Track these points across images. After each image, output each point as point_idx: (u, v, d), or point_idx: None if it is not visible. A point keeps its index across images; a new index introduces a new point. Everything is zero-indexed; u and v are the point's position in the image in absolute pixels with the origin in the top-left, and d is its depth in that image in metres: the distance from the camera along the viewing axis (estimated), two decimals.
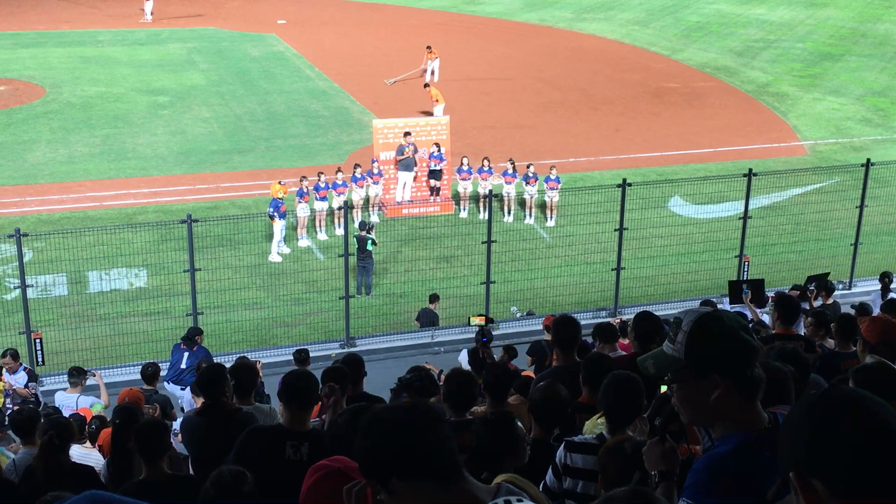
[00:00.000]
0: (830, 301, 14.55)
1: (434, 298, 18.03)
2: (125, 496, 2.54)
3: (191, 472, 7.37)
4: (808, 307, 13.19)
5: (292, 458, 5.66)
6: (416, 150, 23.31)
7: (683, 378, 3.11)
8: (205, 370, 7.36)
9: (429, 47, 36.04)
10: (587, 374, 6.57)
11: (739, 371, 3.07)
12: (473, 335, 12.50)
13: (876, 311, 12.76)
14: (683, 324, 3.12)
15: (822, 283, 14.81)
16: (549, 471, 5.17)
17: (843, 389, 2.24)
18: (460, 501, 2.65)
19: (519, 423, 5.26)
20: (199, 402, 11.18)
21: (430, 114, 28.96)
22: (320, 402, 6.76)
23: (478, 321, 10.79)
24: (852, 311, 11.15)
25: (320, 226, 22.09)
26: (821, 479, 2.12)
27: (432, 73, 35.64)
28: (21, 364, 13.76)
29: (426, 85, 30.82)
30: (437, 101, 29.40)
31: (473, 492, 2.78)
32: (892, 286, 15.68)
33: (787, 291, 14.17)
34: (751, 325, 11.42)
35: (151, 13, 46.29)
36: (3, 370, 13.37)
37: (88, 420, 10.48)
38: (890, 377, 5.15)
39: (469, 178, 23.63)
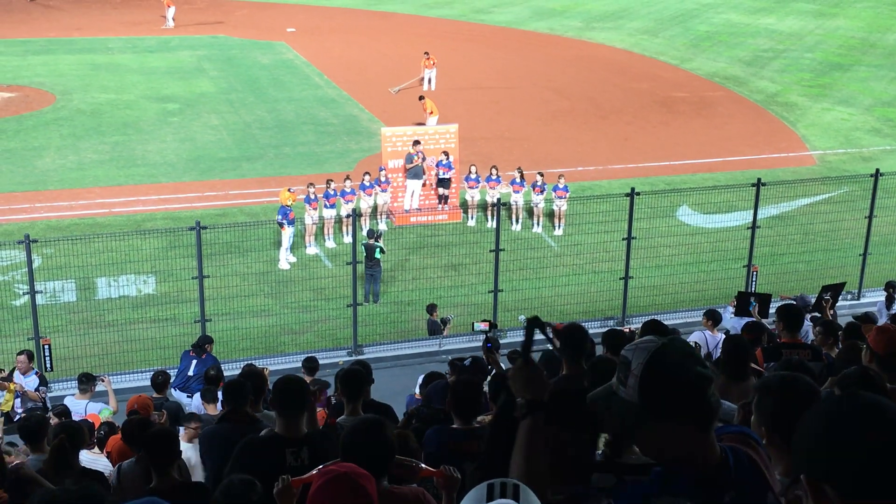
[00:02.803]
0: (832, 312, 14.50)
1: (432, 309, 18.00)
2: None
3: (202, 480, 7.38)
4: (819, 316, 13.15)
5: (294, 464, 5.63)
6: (424, 159, 23.33)
7: (643, 422, 2.87)
8: (231, 381, 7.37)
9: (426, 54, 36.10)
10: (595, 380, 6.58)
11: (697, 407, 2.83)
12: (480, 343, 12.50)
13: (882, 321, 12.72)
14: (633, 366, 2.86)
15: (838, 294, 14.77)
16: None
17: (861, 396, 2.21)
18: None
19: None
20: (209, 408, 11.23)
21: (422, 125, 28.95)
22: (324, 411, 6.76)
23: (482, 326, 10.80)
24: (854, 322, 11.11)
25: (328, 233, 22.13)
26: (832, 485, 2.12)
27: (429, 82, 35.71)
28: (33, 368, 13.85)
29: (421, 97, 30.64)
30: (431, 112, 29.33)
31: None
32: None
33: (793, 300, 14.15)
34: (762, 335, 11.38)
35: (173, 19, 46.51)
36: (15, 371, 13.46)
37: (97, 426, 10.51)
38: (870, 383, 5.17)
39: (477, 187, 23.64)
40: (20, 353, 13.77)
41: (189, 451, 8.99)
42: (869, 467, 2.07)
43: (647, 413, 2.83)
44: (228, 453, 5.94)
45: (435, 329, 17.77)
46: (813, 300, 14.87)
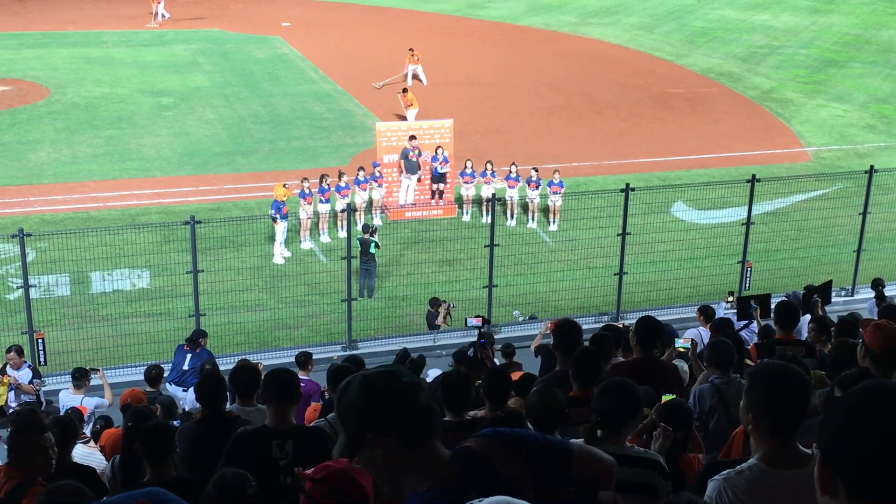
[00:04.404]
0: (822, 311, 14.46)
1: (435, 303, 18.02)
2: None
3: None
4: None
5: (279, 456, 5.70)
6: (419, 154, 23.34)
7: (354, 449, 2.91)
8: (203, 381, 7.36)
9: (411, 50, 36.10)
10: (574, 370, 6.70)
11: (384, 425, 2.83)
12: (475, 337, 12.50)
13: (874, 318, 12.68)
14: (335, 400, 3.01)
15: (828, 292, 14.71)
16: None
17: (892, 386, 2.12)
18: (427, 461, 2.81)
19: (528, 423, 5.28)
20: None
21: (403, 118, 29.03)
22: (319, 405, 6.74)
23: (475, 322, 10.83)
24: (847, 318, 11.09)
25: (323, 228, 22.12)
26: (840, 472, 2.08)
27: (415, 77, 35.68)
28: (25, 361, 13.83)
29: (404, 90, 30.67)
30: (410, 105, 29.42)
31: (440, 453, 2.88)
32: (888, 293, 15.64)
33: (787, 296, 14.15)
34: (756, 332, 11.39)
35: (163, 14, 46.31)
36: (8, 366, 13.44)
37: (85, 414, 10.49)
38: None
39: (472, 182, 23.64)
40: (9, 350, 13.71)
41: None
42: (875, 463, 2.01)
43: (352, 438, 2.88)
44: (208, 453, 6.00)
45: (431, 320, 17.78)
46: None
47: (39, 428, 5.94)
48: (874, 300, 15.76)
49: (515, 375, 10.45)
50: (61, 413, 11.25)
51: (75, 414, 10.16)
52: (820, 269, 18.78)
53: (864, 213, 19.21)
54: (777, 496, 3.66)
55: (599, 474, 3.28)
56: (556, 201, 22.87)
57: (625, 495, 4.79)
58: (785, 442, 3.77)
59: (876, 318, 9.72)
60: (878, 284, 15.83)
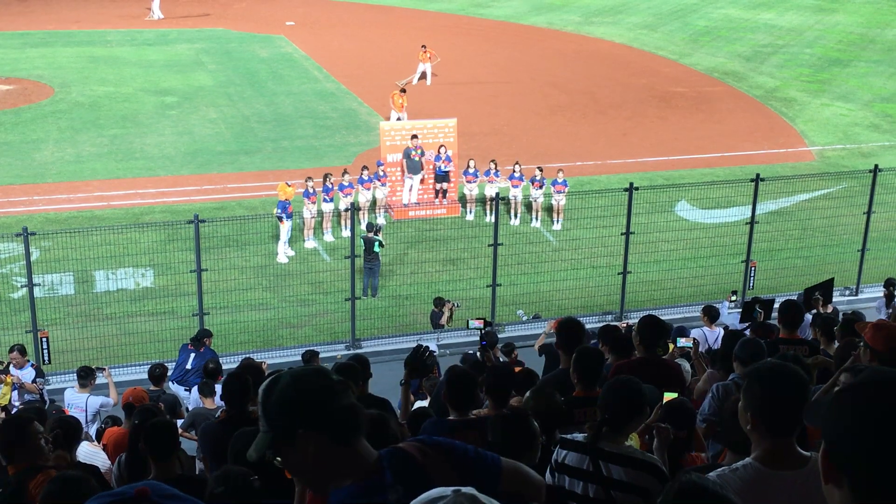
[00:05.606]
0: (830, 309, 14.47)
1: (439, 303, 18.00)
2: None
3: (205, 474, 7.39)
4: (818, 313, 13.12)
5: (269, 458, 5.73)
6: (422, 153, 23.34)
7: (280, 449, 2.93)
8: (230, 380, 7.34)
9: (423, 47, 36.11)
10: (577, 369, 6.68)
11: (317, 420, 2.86)
12: (478, 337, 12.50)
13: (881, 318, 12.69)
14: (259, 398, 2.99)
15: (829, 291, 14.71)
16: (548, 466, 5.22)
17: None
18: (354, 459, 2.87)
19: (534, 421, 5.29)
20: (207, 402, 11.24)
21: (398, 118, 28.96)
22: None
23: (477, 324, 10.83)
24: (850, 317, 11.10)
25: (327, 227, 22.12)
26: (844, 467, 2.02)
27: (423, 76, 35.68)
28: (28, 361, 13.85)
29: (402, 90, 30.59)
30: (403, 106, 29.41)
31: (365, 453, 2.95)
32: None
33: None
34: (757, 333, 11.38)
35: (159, 9, 46.37)
36: (11, 365, 13.46)
37: (66, 414, 10.50)
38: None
39: (476, 181, 23.63)
40: (11, 350, 13.73)
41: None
42: (882, 459, 1.94)
43: (277, 438, 2.90)
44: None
45: (435, 320, 17.77)
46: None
47: (24, 420, 5.98)
48: (883, 299, 15.73)
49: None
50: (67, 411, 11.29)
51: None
52: (824, 269, 18.75)
53: (869, 213, 19.18)
54: (771, 496, 3.64)
55: (526, 491, 3.34)
56: (559, 200, 22.86)
57: (618, 494, 4.81)
58: (783, 442, 3.75)
59: (878, 319, 9.71)
60: (890, 284, 15.78)
